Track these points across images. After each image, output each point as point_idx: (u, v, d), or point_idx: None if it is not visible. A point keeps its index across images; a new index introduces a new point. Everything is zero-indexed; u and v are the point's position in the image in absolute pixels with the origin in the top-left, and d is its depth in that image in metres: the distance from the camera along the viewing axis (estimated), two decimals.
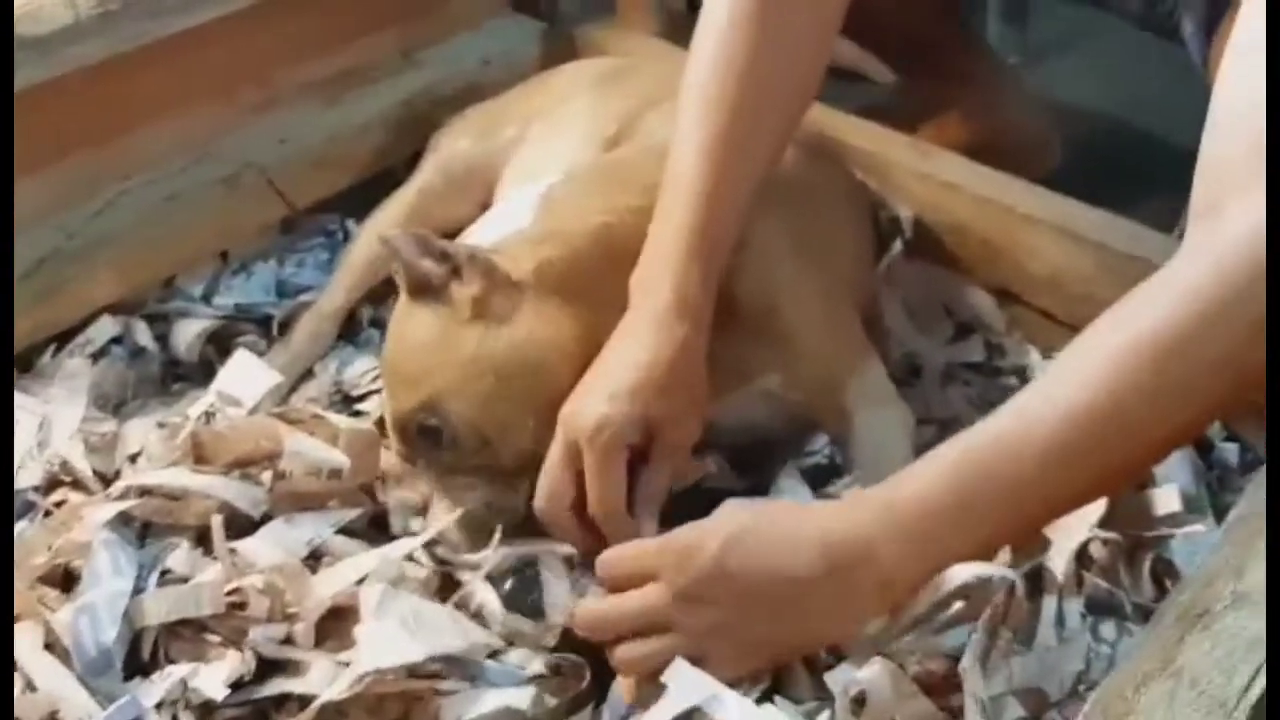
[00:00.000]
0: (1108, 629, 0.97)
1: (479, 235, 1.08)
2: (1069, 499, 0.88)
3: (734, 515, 0.88)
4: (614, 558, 0.92)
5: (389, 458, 1.07)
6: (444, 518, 1.00)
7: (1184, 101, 1.36)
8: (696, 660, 0.85)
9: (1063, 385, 0.82)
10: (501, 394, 0.99)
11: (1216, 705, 0.65)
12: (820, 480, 1.08)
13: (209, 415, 1.10)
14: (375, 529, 1.04)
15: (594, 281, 1.02)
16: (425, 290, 1.01)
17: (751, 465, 1.11)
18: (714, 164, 1.00)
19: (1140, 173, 1.46)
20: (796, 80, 1.07)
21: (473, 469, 1.00)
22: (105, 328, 1.25)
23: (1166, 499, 1.03)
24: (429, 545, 1.00)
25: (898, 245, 1.26)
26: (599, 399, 0.95)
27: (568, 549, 0.98)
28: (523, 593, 0.96)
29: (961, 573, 0.85)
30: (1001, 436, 0.82)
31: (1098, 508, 1.00)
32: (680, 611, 0.87)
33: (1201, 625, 0.70)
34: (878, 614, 0.86)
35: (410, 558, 0.99)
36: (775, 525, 0.86)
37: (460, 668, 0.90)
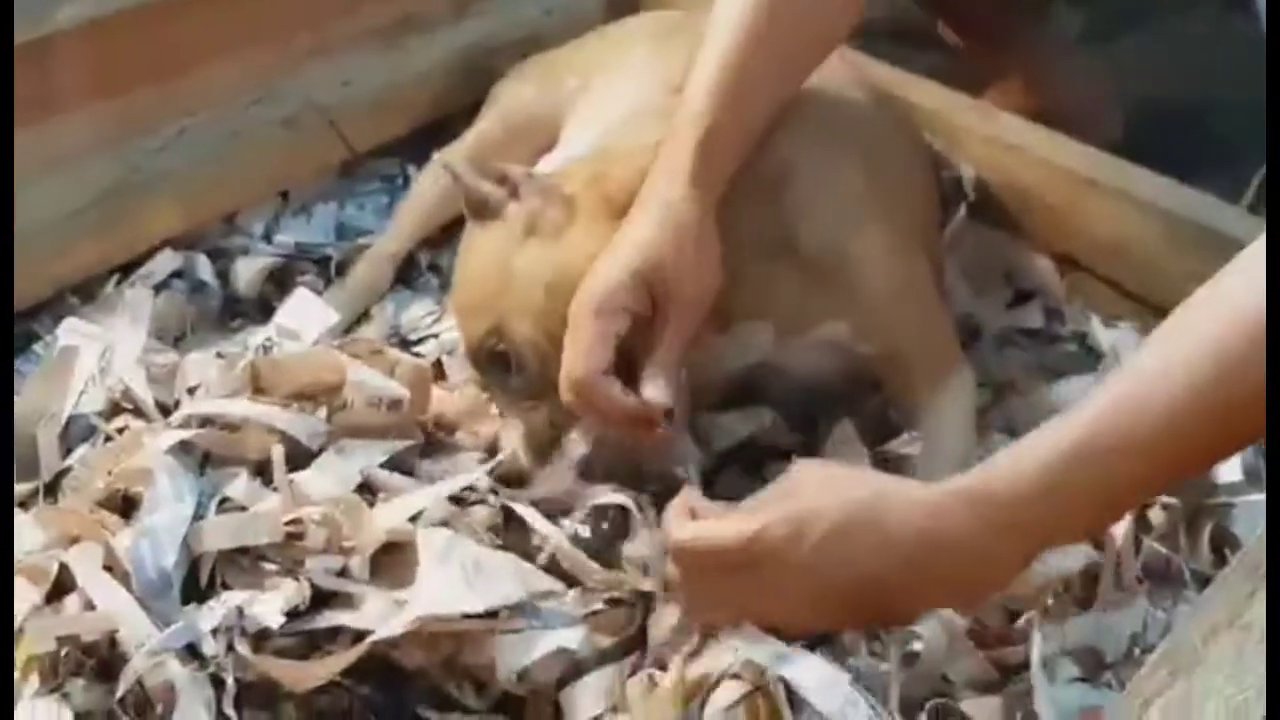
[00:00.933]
0: (1164, 595, 0.97)
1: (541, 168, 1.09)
2: (1161, 486, 0.87)
3: (824, 507, 0.80)
4: (689, 540, 0.84)
5: (449, 400, 1.07)
6: (512, 439, 1.00)
7: (1251, 77, 1.36)
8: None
9: (1163, 373, 0.76)
10: (554, 309, 0.97)
11: None
12: (875, 438, 1.07)
13: (267, 348, 1.11)
14: (430, 462, 1.04)
15: None
16: (484, 212, 1.03)
17: (803, 420, 1.11)
18: (732, 72, 1.00)
19: (1204, 148, 1.45)
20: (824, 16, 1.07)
21: (540, 393, 1.00)
22: (167, 261, 1.26)
23: (1228, 468, 1.02)
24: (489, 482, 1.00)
25: (962, 208, 1.25)
26: (592, 274, 0.95)
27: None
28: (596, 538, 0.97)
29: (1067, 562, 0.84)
30: (1098, 424, 0.77)
31: None
32: (760, 587, 0.83)
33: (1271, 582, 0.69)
34: (970, 605, 0.85)
35: (464, 497, 0.99)
36: (873, 525, 0.79)
37: (514, 609, 0.91)
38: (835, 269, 1.05)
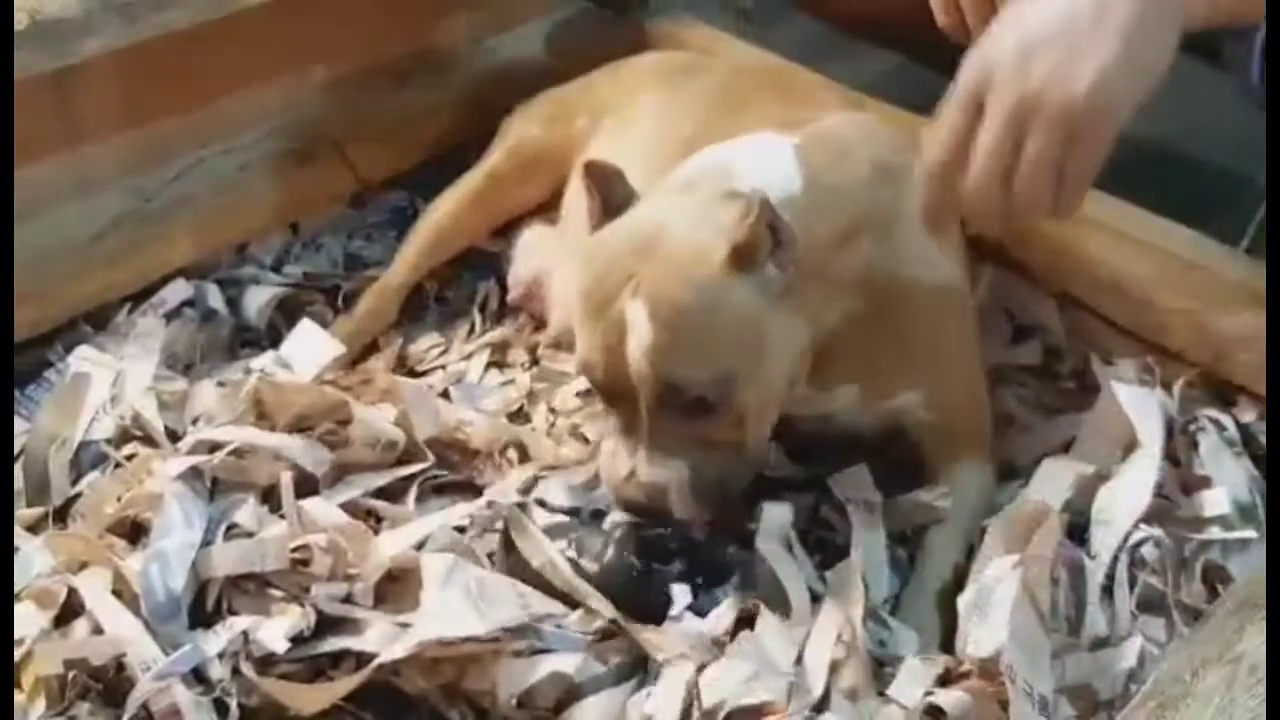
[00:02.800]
0: (1157, 629, 0.98)
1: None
2: None
3: None
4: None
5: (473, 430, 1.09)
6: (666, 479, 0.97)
7: (1219, 124, 1.38)
8: None
9: None
10: (779, 383, 0.99)
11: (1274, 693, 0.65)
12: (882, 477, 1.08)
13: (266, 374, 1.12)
14: (436, 489, 1.07)
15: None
16: (750, 258, 0.94)
17: (803, 454, 1.12)
18: None
19: (1203, 191, 1.46)
20: None
21: (697, 440, 0.97)
22: (179, 290, 1.28)
23: (1216, 501, 1.04)
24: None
25: None
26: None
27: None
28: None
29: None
30: None
31: (1142, 502, 1.01)
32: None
33: (1260, 615, 0.70)
34: None
35: (467, 525, 1.01)
36: None
37: (517, 631, 0.92)
38: (927, 337, 1.09)
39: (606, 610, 0.94)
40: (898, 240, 1.06)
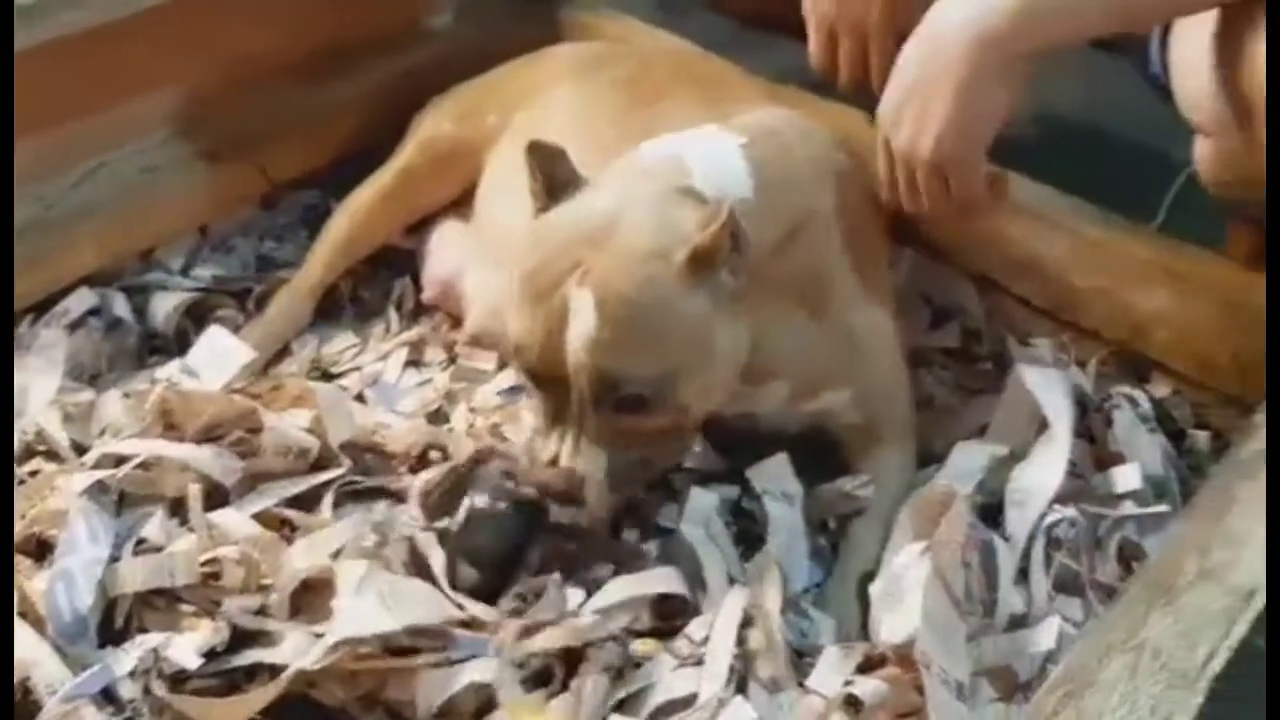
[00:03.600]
0: (1074, 609, 0.99)
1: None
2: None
3: None
4: None
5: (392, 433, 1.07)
6: (587, 472, 0.97)
7: (1128, 108, 1.40)
8: None
9: None
10: (718, 387, 0.99)
11: (1178, 677, 0.66)
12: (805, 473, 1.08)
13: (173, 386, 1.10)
14: (353, 495, 1.05)
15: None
16: (710, 263, 0.93)
17: (731, 447, 1.12)
18: None
19: (1119, 172, 1.47)
20: None
21: (625, 433, 0.97)
22: (83, 299, 1.25)
23: (1128, 477, 1.05)
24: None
25: None
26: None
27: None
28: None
29: None
30: None
31: (1054, 482, 1.02)
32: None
33: (1165, 600, 0.71)
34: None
35: (385, 532, 0.99)
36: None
37: (433, 636, 0.90)
38: (853, 336, 1.09)
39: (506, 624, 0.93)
40: (830, 240, 1.07)
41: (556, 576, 0.95)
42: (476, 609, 0.93)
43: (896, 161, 1.08)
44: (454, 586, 0.95)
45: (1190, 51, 1.16)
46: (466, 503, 0.98)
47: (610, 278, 0.92)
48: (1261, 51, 1.03)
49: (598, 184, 0.99)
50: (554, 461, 0.96)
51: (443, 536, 0.98)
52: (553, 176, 0.98)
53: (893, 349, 1.14)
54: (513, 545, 0.96)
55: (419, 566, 0.96)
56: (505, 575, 0.96)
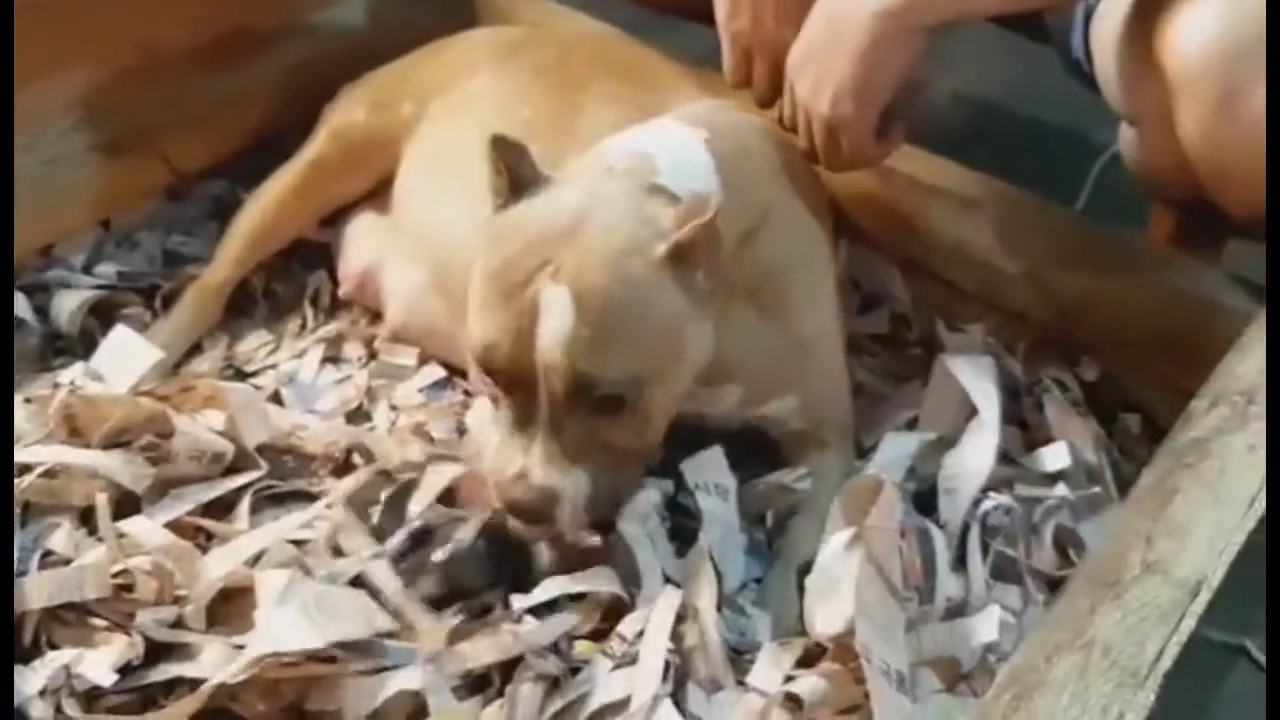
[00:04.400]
0: (1012, 597, 0.98)
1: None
2: None
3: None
4: None
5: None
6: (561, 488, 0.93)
7: (1050, 92, 1.41)
8: None
9: None
10: (684, 389, 0.97)
11: (1128, 675, 0.65)
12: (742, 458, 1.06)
13: (75, 390, 1.05)
14: (271, 499, 1.02)
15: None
16: (689, 259, 0.91)
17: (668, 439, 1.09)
18: None
19: (1042, 155, 1.48)
20: None
21: (597, 441, 0.93)
22: None
23: (1057, 454, 1.05)
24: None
25: None
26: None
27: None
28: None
29: None
30: None
31: (985, 468, 1.02)
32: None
33: (1112, 595, 0.70)
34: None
35: (306, 538, 0.96)
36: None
37: (360, 649, 0.87)
38: (802, 347, 1.08)
39: (436, 632, 0.90)
40: (787, 238, 1.06)
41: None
42: (414, 616, 0.90)
43: (798, 110, 1.13)
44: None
45: (1112, 33, 1.16)
46: (444, 549, 0.95)
47: (586, 273, 0.89)
48: (1184, 28, 1.03)
49: (562, 180, 0.96)
50: (521, 475, 0.92)
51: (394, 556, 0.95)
52: (516, 172, 0.95)
53: (840, 351, 1.13)
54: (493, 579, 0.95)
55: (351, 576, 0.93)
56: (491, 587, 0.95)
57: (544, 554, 0.96)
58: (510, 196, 0.95)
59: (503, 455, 0.93)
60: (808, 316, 1.08)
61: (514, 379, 0.92)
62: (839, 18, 1.06)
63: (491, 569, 0.95)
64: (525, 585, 0.94)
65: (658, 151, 0.98)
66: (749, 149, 1.06)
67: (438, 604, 0.93)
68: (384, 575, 0.93)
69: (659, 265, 0.90)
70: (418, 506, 0.98)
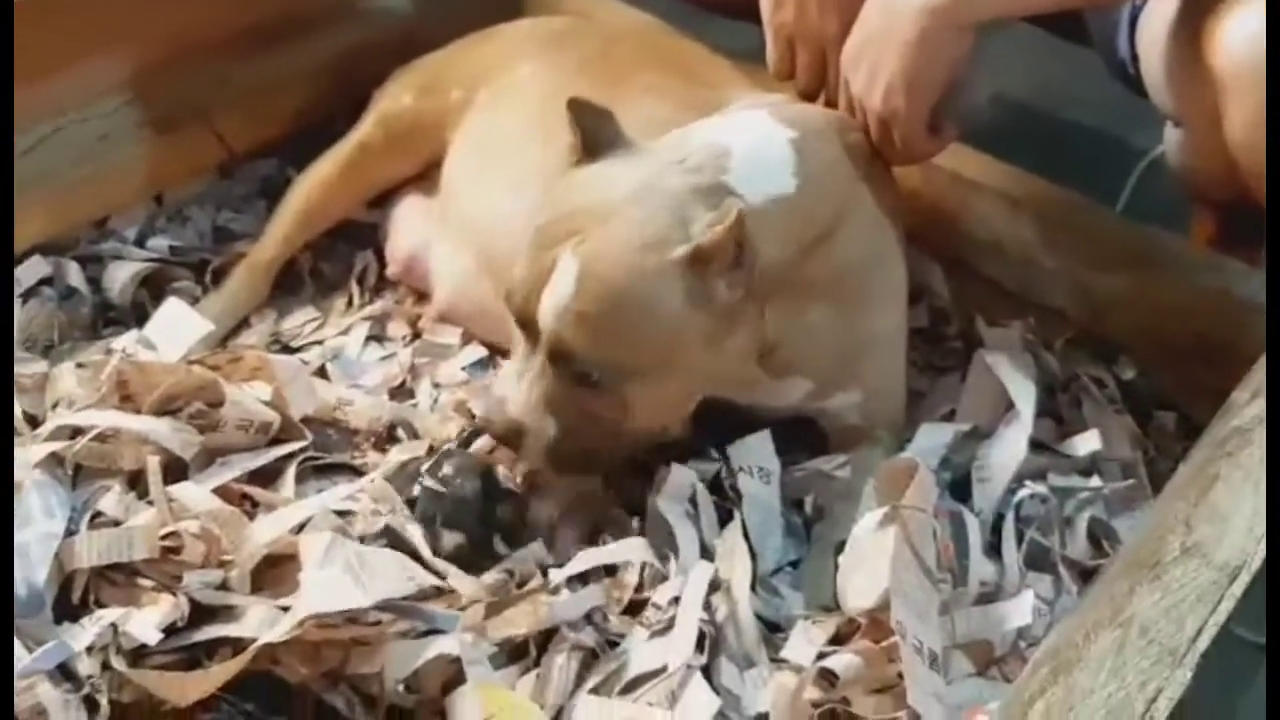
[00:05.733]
0: (1044, 586, 0.99)
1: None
2: None
3: None
4: None
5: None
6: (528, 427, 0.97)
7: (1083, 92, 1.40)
8: None
9: None
10: (681, 395, 1.00)
11: (1166, 654, 0.66)
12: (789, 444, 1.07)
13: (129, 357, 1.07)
14: (315, 470, 1.03)
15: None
16: (707, 265, 0.92)
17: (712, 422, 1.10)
18: None
19: (1085, 154, 1.48)
20: None
21: (577, 405, 0.96)
22: (36, 268, 1.22)
23: (1088, 441, 1.06)
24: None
25: None
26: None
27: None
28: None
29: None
30: None
31: (1018, 458, 1.02)
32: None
33: (1151, 576, 0.71)
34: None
35: (349, 509, 0.97)
36: None
37: (401, 611, 0.89)
38: (870, 340, 1.09)
39: (476, 595, 0.92)
40: (871, 237, 1.07)
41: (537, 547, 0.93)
42: (456, 579, 0.92)
43: (854, 103, 1.13)
44: (436, 554, 0.94)
45: (1159, 33, 1.16)
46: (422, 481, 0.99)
47: (602, 256, 0.92)
48: (1232, 29, 1.04)
49: (637, 151, 0.98)
50: (502, 401, 0.97)
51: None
52: (594, 133, 0.98)
53: (904, 350, 1.14)
54: (481, 506, 0.98)
55: (390, 537, 0.95)
56: (487, 533, 0.97)
57: (541, 508, 1.00)
58: (585, 156, 0.98)
59: (502, 380, 1.00)
60: (882, 314, 1.09)
61: (524, 324, 0.96)
62: (891, 12, 1.07)
63: (483, 511, 0.99)
64: (517, 534, 0.99)
65: (736, 148, 0.98)
66: (833, 149, 1.06)
67: (464, 562, 0.95)
68: (417, 537, 0.94)
69: (673, 267, 0.92)
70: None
